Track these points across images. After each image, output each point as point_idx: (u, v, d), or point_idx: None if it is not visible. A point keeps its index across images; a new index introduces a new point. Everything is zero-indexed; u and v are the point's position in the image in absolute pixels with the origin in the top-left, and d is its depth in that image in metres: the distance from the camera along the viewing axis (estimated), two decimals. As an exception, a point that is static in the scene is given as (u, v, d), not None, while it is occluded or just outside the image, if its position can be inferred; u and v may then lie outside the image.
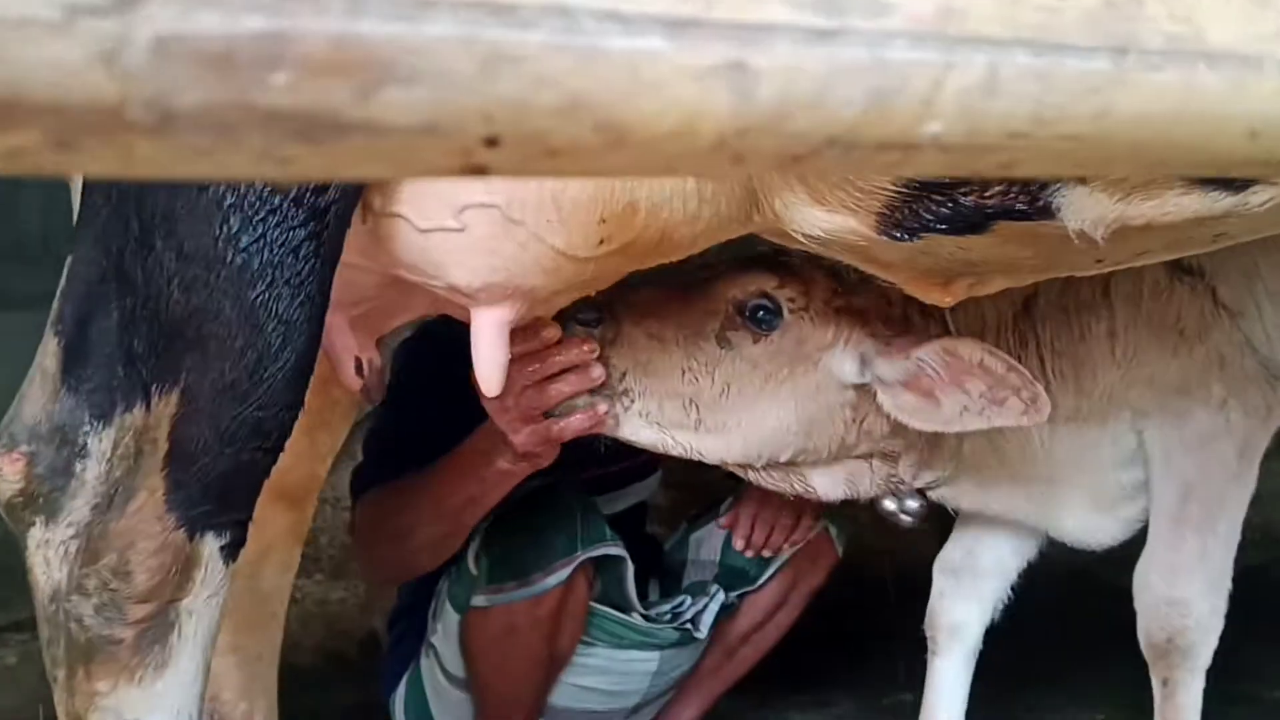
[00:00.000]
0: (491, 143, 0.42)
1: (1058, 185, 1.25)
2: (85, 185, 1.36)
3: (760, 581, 2.40)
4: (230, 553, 1.38)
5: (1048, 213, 1.27)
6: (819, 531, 2.39)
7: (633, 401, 1.71)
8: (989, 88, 0.51)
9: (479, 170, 0.43)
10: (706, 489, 2.62)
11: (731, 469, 1.81)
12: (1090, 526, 1.97)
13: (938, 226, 1.32)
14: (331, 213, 1.30)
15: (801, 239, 1.41)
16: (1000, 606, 2.13)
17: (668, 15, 0.42)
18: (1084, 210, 1.25)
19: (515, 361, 1.61)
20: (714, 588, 2.38)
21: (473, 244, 1.38)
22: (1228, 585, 1.91)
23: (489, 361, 1.49)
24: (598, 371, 1.70)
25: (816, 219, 1.36)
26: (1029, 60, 0.53)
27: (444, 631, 2.23)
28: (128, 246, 1.33)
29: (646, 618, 2.30)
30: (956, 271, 1.48)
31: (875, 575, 2.95)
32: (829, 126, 0.49)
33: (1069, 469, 1.92)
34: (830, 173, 0.50)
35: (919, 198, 1.30)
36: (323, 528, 2.92)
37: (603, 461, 2.30)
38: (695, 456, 1.75)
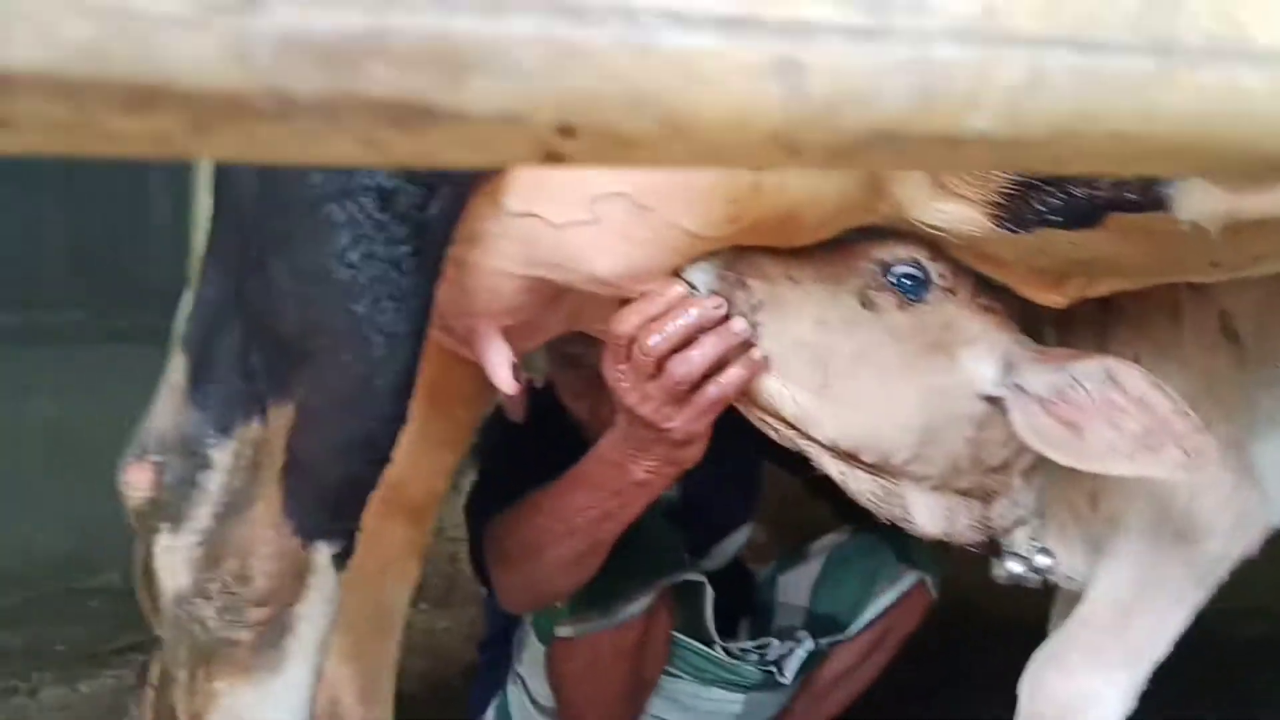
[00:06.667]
0: (567, 132, 0.47)
1: None
2: (214, 212, 1.46)
3: (852, 633, 2.38)
4: (340, 561, 1.45)
5: (1159, 204, 1.27)
6: (915, 582, 2.37)
7: (759, 338, 1.51)
8: (1033, 85, 0.55)
9: (558, 159, 0.49)
10: (800, 526, 2.61)
11: (833, 467, 1.59)
12: None
13: (1051, 218, 1.33)
14: (432, 228, 1.36)
15: (923, 229, 1.43)
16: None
17: (722, 14, 0.47)
18: (1196, 202, 1.24)
19: (639, 335, 1.50)
20: (803, 634, 2.36)
21: (608, 233, 1.42)
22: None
23: None
24: (739, 325, 1.49)
25: (937, 207, 1.39)
26: (1073, 59, 0.56)
27: (530, 661, 2.27)
28: (245, 266, 1.41)
29: (729, 653, 2.30)
30: (1069, 271, 1.47)
31: (971, 620, 2.92)
32: (877, 121, 0.53)
33: None
34: (884, 165, 0.55)
35: (1032, 188, 1.32)
36: (428, 557, 3.00)
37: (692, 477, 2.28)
38: (804, 426, 1.54)
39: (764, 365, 1.51)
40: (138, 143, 0.40)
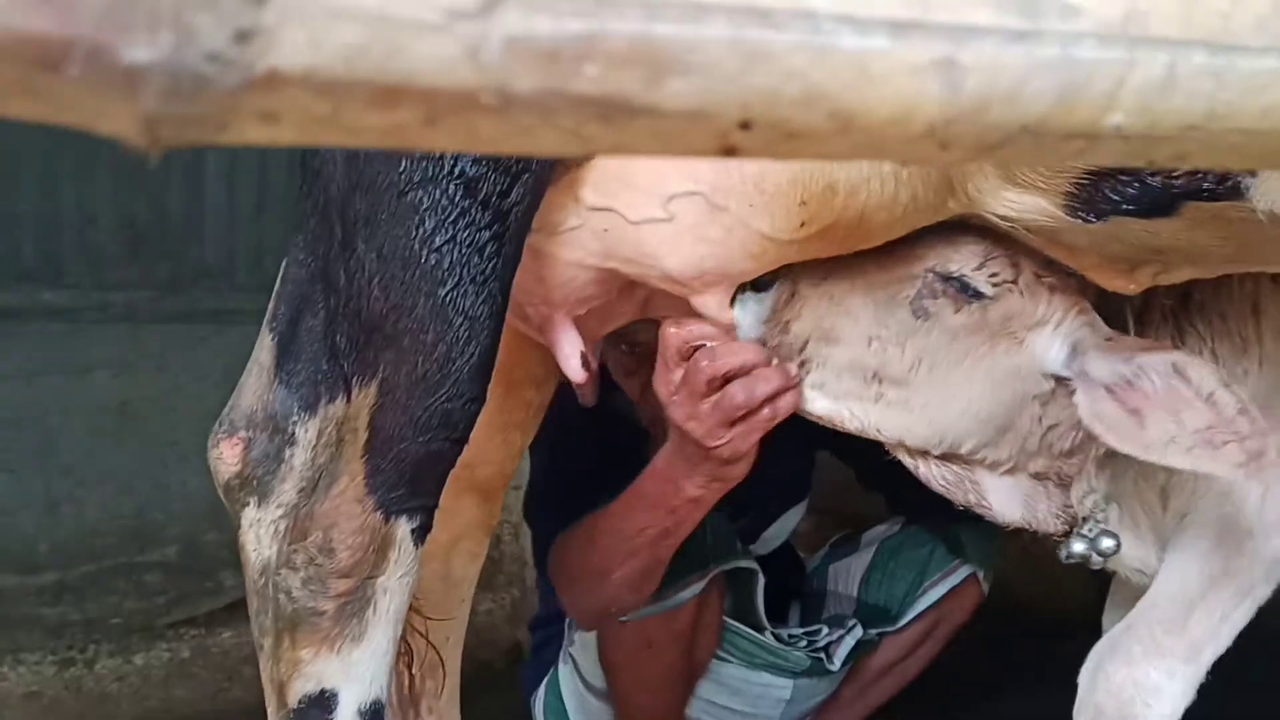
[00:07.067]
0: (745, 126, 0.50)
1: None
2: (300, 195, 1.50)
3: (902, 624, 2.42)
4: (419, 536, 1.49)
5: (1237, 193, 1.27)
6: (967, 575, 2.41)
7: (809, 372, 1.57)
8: (1167, 84, 0.58)
9: (731, 151, 0.52)
10: (851, 515, 2.63)
11: (905, 457, 1.62)
12: None
13: (1125, 207, 1.34)
14: (513, 215, 1.40)
15: (995, 221, 1.45)
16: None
17: (893, 18, 0.51)
18: (1274, 191, 1.24)
19: (693, 360, 1.56)
20: (852, 622, 2.41)
21: (681, 232, 1.46)
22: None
23: None
24: (794, 368, 1.56)
25: (1009, 200, 1.41)
26: (1205, 59, 0.59)
27: (581, 643, 2.32)
28: (332, 250, 1.46)
29: (779, 638, 2.35)
30: (1143, 259, 1.47)
31: (1020, 613, 2.93)
32: (1022, 117, 0.56)
33: None
34: (1023, 159, 0.58)
35: (1106, 177, 1.32)
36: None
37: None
38: (870, 434, 1.58)
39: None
40: (375, 135, 0.44)
